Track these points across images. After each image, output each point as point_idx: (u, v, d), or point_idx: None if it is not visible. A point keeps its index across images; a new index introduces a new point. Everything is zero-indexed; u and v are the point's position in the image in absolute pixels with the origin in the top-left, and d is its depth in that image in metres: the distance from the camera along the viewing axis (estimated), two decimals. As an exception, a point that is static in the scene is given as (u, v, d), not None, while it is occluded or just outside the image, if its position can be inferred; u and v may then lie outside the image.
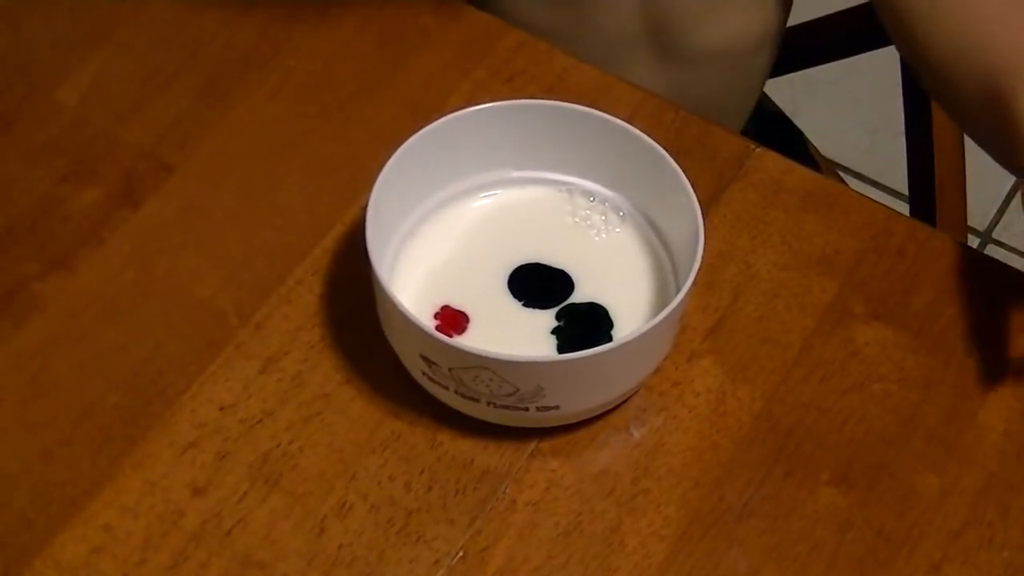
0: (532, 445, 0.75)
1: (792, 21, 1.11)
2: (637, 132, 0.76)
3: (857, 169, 1.85)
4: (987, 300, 0.81)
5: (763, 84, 1.14)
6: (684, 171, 0.74)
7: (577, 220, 0.79)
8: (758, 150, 0.86)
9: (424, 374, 0.72)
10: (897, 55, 1.15)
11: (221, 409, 0.75)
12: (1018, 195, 0.77)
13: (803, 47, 1.20)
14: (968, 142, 1.08)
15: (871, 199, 0.85)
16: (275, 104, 0.88)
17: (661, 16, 0.99)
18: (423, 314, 0.75)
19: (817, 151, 1.23)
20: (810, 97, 1.82)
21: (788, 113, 1.25)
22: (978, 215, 1.81)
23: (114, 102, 0.87)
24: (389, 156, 0.74)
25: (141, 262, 0.81)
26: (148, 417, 0.75)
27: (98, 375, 0.77)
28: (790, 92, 1.42)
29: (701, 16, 1.00)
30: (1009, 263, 0.83)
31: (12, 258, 0.80)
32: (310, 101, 0.88)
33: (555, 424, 0.74)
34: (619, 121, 0.76)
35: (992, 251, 1.79)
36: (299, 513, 0.72)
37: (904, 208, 1.05)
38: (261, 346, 0.77)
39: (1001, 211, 1.83)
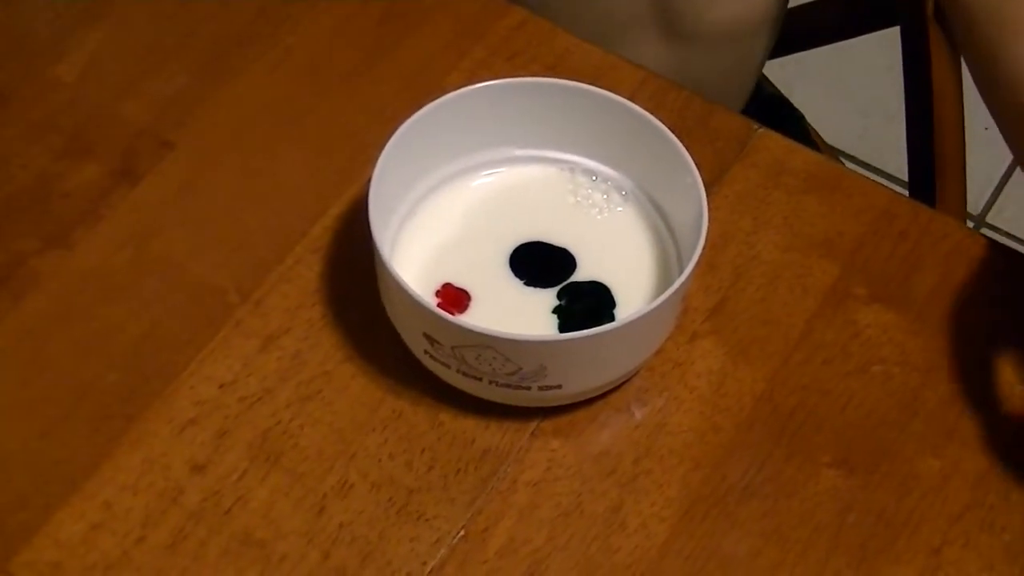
0: (533, 425, 0.74)
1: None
2: (640, 111, 0.75)
3: (851, 152, 1.85)
4: (989, 283, 0.80)
5: (762, 65, 1.13)
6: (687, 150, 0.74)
7: (579, 199, 0.79)
8: (760, 131, 0.85)
9: (426, 352, 0.72)
10: (894, 39, 1.15)
11: (220, 387, 0.75)
12: None
13: (798, 30, 1.20)
14: (968, 126, 1.08)
15: (874, 181, 0.85)
16: (274, 81, 0.87)
17: None
18: (424, 292, 0.75)
19: (817, 134, 1.22)
20: (804, 80, 1.82)
21: (782, 96, 1.25)
22: (971, 199, 1.81)
23: (112, 79, 0.87)
24: (391, 133, 0.74)
25: (139, 239, 0.80)
26: (147, 395, 0.75)
27: (97, 352, 0.76)
28: (783, 75, 1.42)
29: None
30: (1005, 248, 0.83)
31: (10, 235, 0.80)
32: (309, 78, 0.87)
33: (557, 403, 0.74)
34: (622, 99, 0.76)
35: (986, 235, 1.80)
36: (299, 491, 0.72)
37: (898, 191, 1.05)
38: (261, 324, 0.77)
39: (995, 196, 1.84)
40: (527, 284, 0.76)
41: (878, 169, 1.82)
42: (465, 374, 0.71)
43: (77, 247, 0.80)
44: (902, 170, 1.16)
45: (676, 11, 0.99)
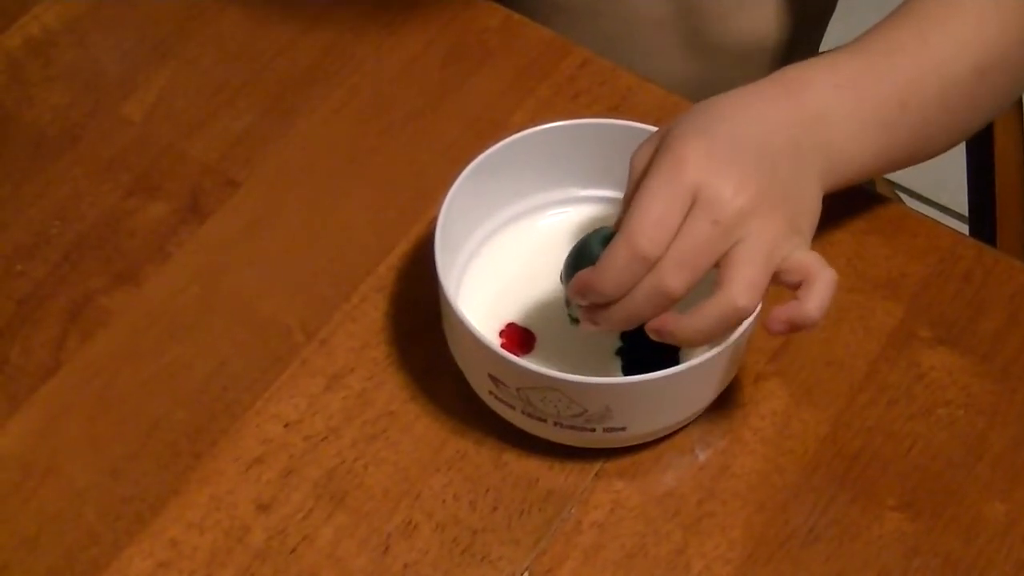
0: (597, 466, 0.75)
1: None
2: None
3: (908, 186, 1.84)
4: (1055, 325, 0.80)
5: None
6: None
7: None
8: (823, 171, 0.85)
9: (491, 393, 0.72)
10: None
11: (286, 425, 0.75)
12: None
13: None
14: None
15: (937, 222, 0.85)
16: (339, 120, 0.88)
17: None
18: (489, 332, 0.75)
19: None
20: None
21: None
22: None
23: (180, 117, 0.88)
24: (457, 173, 0.75)
25: (206, 277, 0.81)
26: (214, 433, 0.75)
27: (164, 390, 0.77)
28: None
29: (732, 3, 0.98)
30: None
31: (79, 272, 0.81)
32: (374, 118, 0.88)
33: (621, 445, 0.74)
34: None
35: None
36: (364, 531, 0.72)
37: (954, 223, 1.05)
38: (326, 363, 0.78)
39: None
40: (591, 325, 0.76)
41: (932, 201, 1.82)
42: (530, 415, 0.72)
43: (145, 285, 0.81)
44: (954, 201, 1.15)
45: (699, 16, 0.97)
